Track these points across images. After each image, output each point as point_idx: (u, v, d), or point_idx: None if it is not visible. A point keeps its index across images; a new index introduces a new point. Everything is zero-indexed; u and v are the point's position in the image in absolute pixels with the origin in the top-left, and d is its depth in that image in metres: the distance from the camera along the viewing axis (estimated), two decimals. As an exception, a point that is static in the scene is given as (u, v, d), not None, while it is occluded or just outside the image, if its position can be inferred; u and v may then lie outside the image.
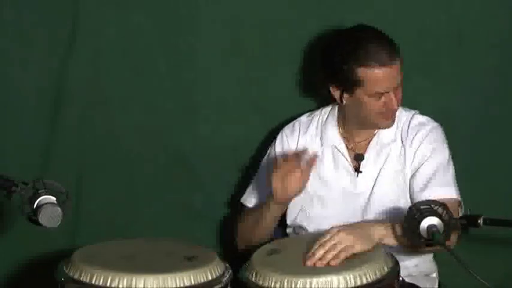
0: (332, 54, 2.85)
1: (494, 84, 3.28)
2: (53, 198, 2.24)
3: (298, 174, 2.79)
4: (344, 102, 2.87)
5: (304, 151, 2.85)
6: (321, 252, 2.52)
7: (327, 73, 2.87)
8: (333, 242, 2.54)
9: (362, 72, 2.77)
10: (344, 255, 2.52)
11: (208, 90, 3.31)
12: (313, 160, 2.82)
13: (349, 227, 2.62)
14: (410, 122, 2.93)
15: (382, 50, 2.77)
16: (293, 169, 2.78)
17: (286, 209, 3.01)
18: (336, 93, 2.87)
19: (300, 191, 2.84)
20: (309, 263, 2.51)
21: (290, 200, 2.88)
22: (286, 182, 2.79)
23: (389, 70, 2.77)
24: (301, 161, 2.80)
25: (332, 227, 2.62)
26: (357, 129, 2.95)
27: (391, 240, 2.61)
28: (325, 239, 2.55)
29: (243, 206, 3.09)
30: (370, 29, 2.84)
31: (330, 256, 2.51)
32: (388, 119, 2.87)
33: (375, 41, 2.79)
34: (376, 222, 2.72)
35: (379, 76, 2.77)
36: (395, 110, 2.86)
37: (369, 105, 2.83)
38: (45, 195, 2.24)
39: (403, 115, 2.95)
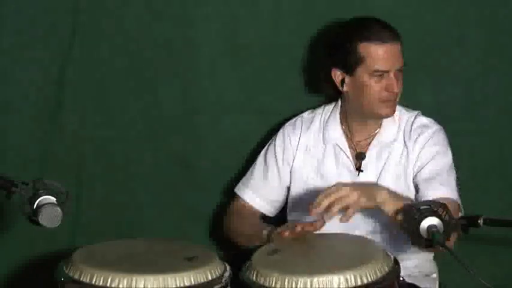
0: (336, 34, 2.93)
1: (494, 84, 3.28)
2: (52, 199, 2.24)
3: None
4: (345, 88, 2.89)
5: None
6: (325, 202, 2.53)
7: (331, 54, 2.91)
8: (338, 195, 2.55)
9: (364, 48, 2.82)
10: (352, 212, 2.55)
11: (208, 90, 3.31)
12: (318, 225, 2.75)
13: (354, 184, 2.66)
14: (413, 123, 2.94)
15: (383, 30, 2.83)
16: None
17: (287, 206, 3.02)
18: (338, 78, 2.90)
19: None
20: (314, 211, 2.52)
21: None
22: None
23: (390, 48, 2.81)
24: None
25: (338, 182, 2.63)
26: (359, 122, 2.94)
27: (390, 207, 2.63)
28: (329, 191, 2.56)
29: (235, 196, 3.11)
30: (373, 18, 2.91)
31: (335, 210, 2.53)
32: (388, 106, 2.88)
33: (377, 23, 2.87)
34: (382, 186, 2.75)
35: (379, 53, 2.81)
36: (396, 95, 2.86)
37: (369, 87, 2.84)
38: (45, 195, 2.24)
39: (404, 115, 2.96)
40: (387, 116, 2.91)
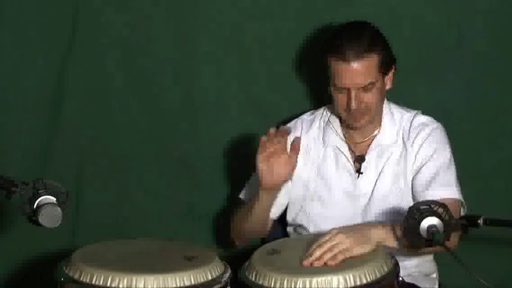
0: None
1: (493, 84, 3.28)
2: (53, 199, 2.24)
3: (285, 157, 2.78)
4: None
5: (286, 130, 2.79)
6: (318, 252, 2.52)
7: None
8: (331, 243, 2.53)
9: (329, 61, 2.81)
10: (341, 257, 2.51)
11: (208, 91, 3.31)
12: (296, 145, 2.79)
13: (348, 229, 2.61)
14: (412, 122, 2.93)
15: (350, 46, 2.77)
16: (279, 152, 2.77)
17: (287, 207, 3.01)
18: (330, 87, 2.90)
19: (287, 177, 2.83)
20: (306, 262, 2.51)
21: (278, 186, 2.85)
22: (272, 165, 2.77)
23: (351, 66, 2.77)
24: (285, 142, 2.77)
25: (332, 229, 2.61)
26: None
27: (390, 242, 2.60)
28: (323, 240, 2.55)
29: (240, 201, 3.07)
30: (360, 23, 2.86)
31: (327, 257, 2.50)
32: (354, 120, 2.86)
33: (349, 35, 2.80)
34: (376, 224, 2.70)
35: (339, 69, 2.79)
36: (357, 112, 2.82)
37: (335, 98, 2.85)
38: (45, 195, 2.24)
39: (404, 116, 2.95)
40: (356, 128, 2.89)
